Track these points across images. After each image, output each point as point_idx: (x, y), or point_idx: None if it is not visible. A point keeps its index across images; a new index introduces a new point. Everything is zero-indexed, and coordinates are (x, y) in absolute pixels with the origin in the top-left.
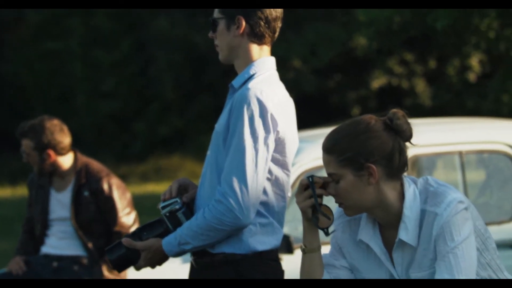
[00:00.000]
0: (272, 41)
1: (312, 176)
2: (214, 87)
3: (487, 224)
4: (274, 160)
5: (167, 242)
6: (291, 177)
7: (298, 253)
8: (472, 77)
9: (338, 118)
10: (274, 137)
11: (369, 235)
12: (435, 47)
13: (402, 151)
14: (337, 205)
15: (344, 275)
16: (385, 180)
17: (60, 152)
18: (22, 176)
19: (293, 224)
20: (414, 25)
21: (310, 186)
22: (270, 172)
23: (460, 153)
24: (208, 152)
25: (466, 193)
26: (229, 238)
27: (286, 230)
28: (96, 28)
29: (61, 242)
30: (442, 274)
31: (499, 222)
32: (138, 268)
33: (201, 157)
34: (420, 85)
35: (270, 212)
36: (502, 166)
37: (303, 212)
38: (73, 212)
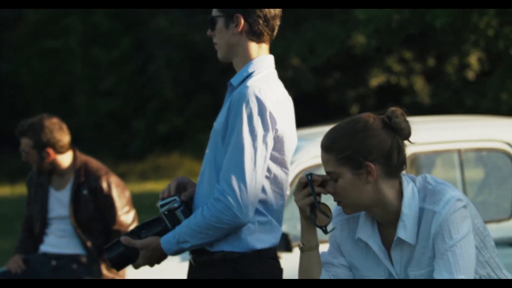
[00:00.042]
0: (271, 39)
1: (311, 174)
2: (213, 85)
3: (486, 222)
4: (272, 158)
5: (166, 240)
6: (290, 175)
7: (296, 251)
8: (471, 75)
9: (336, 116)
10: (273, 135)
11: (367, 234)
12: (434, 45)
13: (401, 149)
14: (335, 203)
15: (342, 273)
16: (383, 179)
17: (59, 150)
18: (21, 174)
19: (292, 222)
20: (413, 23)
21: (308, 184)
22: (268, 170)
23: (459, 151)
24: (207, 150)
25: (464, 191)
26: (228, 236)
27: (284, 228)
28: (95, 27)
29: (60, 240)
30: (440, 272)
31: (498, 220)
32: (136, 267)
33: (200, 156)
34: (419, 83)
35: (269, 210)
36: (500, 164)
37: (302, 210)
38: (72, 210)
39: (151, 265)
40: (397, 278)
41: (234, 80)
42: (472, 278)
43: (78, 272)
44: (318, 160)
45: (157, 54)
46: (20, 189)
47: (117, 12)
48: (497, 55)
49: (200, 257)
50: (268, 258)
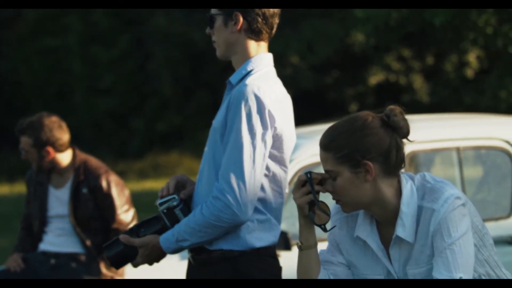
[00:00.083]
0: (270, 37)
1: (310, 172)
2: (212, 83)
3: (485, 220)
4: (271, 157)
5: (165, 239)
6: (289, 173)
7: (295, 250)
8: (469, 73)
9: (335, 114)
10: (272, 134)
11: (366, 232)
12: (432, 43)
13: (399, 148)
14: (334, 202)
15: (341, 271)
16: (382, 177)
17: (59, 149)
18: (20, 173)
19: (291, 220)
20: (412, 21)
21: (308, 182)
22: (267, 168)
23: (458, 149)
24: (206, 149)
25: (463, 189)
26: (227, 235)
27: (283, 226)
28: (94, 25)
29: (59, 239)
30: (439, 270)
31: (497, 218)
32: (135, 265)
33: (199, 154)
34: (418, 81)
35: (268, 208)
36: (499, 162)
37: (300, 209)
38: (72, 209)
39: (150, 263)
40: (395, 276)
41: (233, 78)
42: (471, 276)
43: (77, 271)
44: (317, 158)
45: (156, 52)
46: (19, 188)
47: (116, 10)
48: (496, 53)
49: (199, 255)
50: (267, 256)
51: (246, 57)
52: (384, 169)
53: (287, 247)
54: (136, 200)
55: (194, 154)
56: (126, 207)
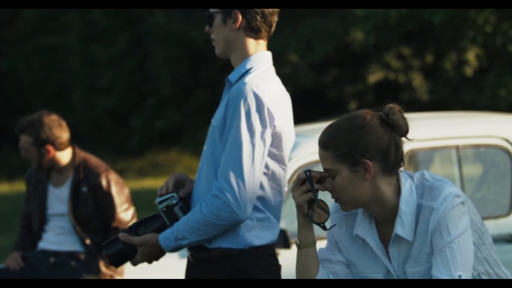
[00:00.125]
0: (269, 35)
1: (309, 171)
2: (211, 82)
3: (484, 218)
4: (270, 155)
5: (164, 237)
6: (288, 171)
7: (295, 248)
8: (469, 71)
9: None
10: (271, 132)
11: (365, 230)
12: (432, 42)
13: (398, 146)
14: (333, 200)
15: (340, 270)
16: (381, 176)
17: (59, 147)
18: (20, 171)
19: (290, 218)
20: (411, 19)
21: (307, 181)
22: (266, 166)
23: (457, 148)
24: (205, 147)
25: (463, 187)
26: (226, 233)
27: (283, 224)
28: (93, 23)
29: (58, 237)
30: (438, 268)
31: (496, 217)
32: (135, 263)
33: (198, 152)
34: (417, 80)
35: (267, 206)
36: (499, 160)
37: (299, 207)
38: (71, 207)
39: (149, 262)
40: (395, 274)
41: (232, 77)
42: (471, 274)
43: (77, 269)
44: (316, 157)
45: (156, 50)
46: (19, 186)
47: (116, 9)
48: (495, 51)
49: (198, 253)
50: (266, 254)
51: (245, 55)
52: (383, 167)
53: (286, 245)
54: (135, 198)
55: (193, 152)
56: (125, 205)
